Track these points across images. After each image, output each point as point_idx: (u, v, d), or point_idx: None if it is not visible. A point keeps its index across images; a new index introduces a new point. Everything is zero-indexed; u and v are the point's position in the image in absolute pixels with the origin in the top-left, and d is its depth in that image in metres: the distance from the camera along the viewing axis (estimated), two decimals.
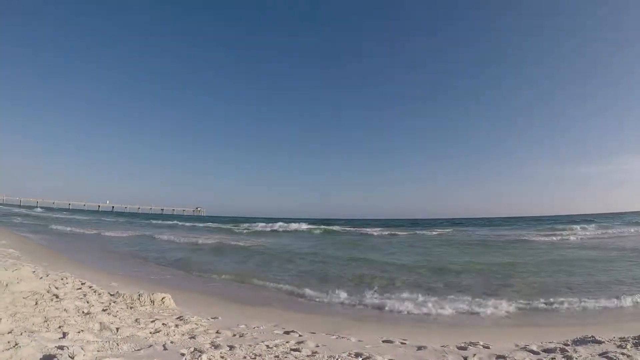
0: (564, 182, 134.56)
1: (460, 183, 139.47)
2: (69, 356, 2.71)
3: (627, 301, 6.36)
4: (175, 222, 42.96)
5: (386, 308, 6.35)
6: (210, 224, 39.53)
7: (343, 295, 7.23)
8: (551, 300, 6.56)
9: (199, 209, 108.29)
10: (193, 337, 3.81)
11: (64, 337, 3.25)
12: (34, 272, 6.53)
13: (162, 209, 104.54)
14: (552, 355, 3.31)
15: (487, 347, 3.76)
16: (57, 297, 4.82)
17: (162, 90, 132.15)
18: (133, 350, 3.16)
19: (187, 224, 40.40)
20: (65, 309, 4.31)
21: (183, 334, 3.93)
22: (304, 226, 32.22)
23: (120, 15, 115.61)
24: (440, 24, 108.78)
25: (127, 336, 3.61)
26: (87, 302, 4.83)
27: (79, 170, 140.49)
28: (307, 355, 3.30)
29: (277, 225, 33.26)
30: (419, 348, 3.76)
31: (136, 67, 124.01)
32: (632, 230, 23.76)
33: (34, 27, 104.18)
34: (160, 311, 5.07)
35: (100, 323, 3.88)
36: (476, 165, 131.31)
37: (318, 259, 12.58)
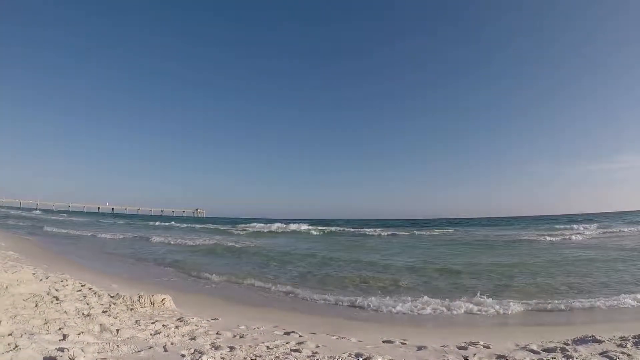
0: (563, 181, 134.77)
1: (460, 183, 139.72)
2: (69, 358, 2.70)
3: (627, 301, 6.37)
4: (172, 223, 42.95)
5: (386, 309, 6.34)
6: (208, 226, 39.50)
7: (342, 296, 7.23)
8: (551, 300, 6.57)
9: (198, 210, 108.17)
10: (193, 339, 3.81)
11: (64, 339, 3.25)
12: (34, 274, 6.53)
13: (162, 211, 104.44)
14: (552, 354, 3.31)
15: (488, 347, 3.76)
16: (57, 299, 4.81)
17: (161, 91, 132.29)
18: (133, 351, 3.16)
19: (184, 225, 40.47)
20: (65, 311, 4.31)
21: (183, 335, 3.92)
22: (303, 227, 32.20)
23: (116, 15, 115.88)
24: (438, 23, 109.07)
25: (128, 338, 3.61)
26: (87, 304, 4.83)
27: (79, 172, 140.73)
28: (308, 356, 3.30)
29: (276, 226, 33.22)
30: (419, 348, 3.76)
31: (137, 67, 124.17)
32: (631, 229, 23.76)
33: (34, 26, 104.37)
34: (161, 312, 5.07)
35: (101, 325, 3.88)
36: (476, 165, 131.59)
37: (317, 260, 12.58)
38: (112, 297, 5.44)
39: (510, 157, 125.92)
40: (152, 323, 4.32)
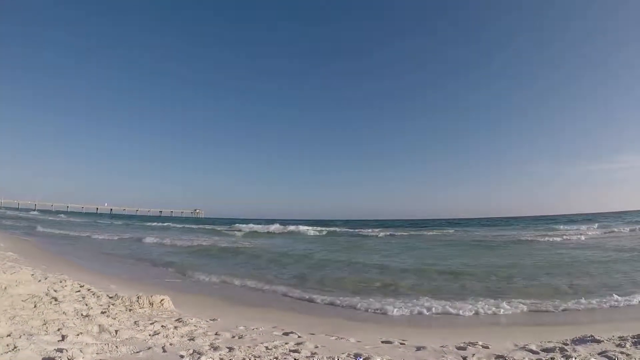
0: (563, 181, 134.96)
1: (459, 183, 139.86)
2: (68, 359, 2.70)
3: (627, 300, 6.38)
4: (168, 224, 42.96)
5: (385, 309, 6.34)
6: (206, 226, 39.49)
7: (341, 296, 7.23)
8: (550, 300, 6.58)
9: (197, 211, 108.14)
10: (192, 339, 3.81)
11: (62, 339, 3.24)
12: (33, 275, 6.52)
13: (161, 211, 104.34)
14: (551, 354, 3.31)
15: (487, 347, 3.76)
16: (55, 299, 4.80)
17: (161, 91, 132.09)
18: (132, 352, 3.16)
19: (179, 225, 40.59)
20: (64, 312, 4.30)
21: (182, 336, 3.92)
22: (302, 227, 32.14)
23: (116, 15, 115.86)
24: (438, 23, 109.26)
25: (126, 338, 3.61)
26: (86, 305, 4.82)
27: (78, 172, 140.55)
28: (307, 357, 3.30)
29: (274, 227, 33.18)
30: (418, 348, 3.77)
31: (136, 67, 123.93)
32: (632, 229, 23.80)
33: (34, 26, 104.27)
34: (159, 313, 5.06)
35: (99, 325, 3.88)
36: (475, 165, 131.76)
37: (315, 260, 12.57)
38: (110, 297, 5.43)
39: (510, 157, 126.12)
40: (150, 324, 4.31)
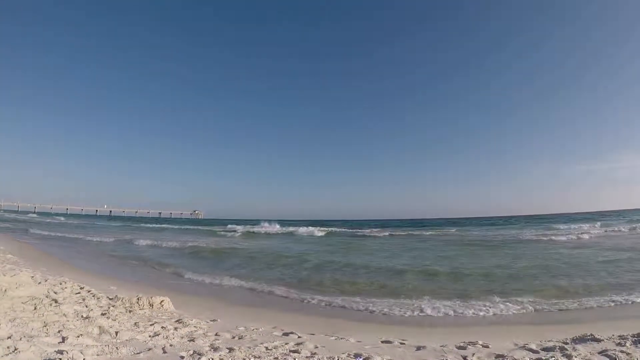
0: (563, 181, 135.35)
1: (459, 182, 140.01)
2: None
3: (627, 299, 6.39)
4: (164, 225, 42.99)
5: (385, 309, 6.35)
6: (204, 227, 39.45)
7: (340, 296, 7.24)
8: (551, 299, 6.60)
9: (196, 212, 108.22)
10: (192, 340, 3.81)
11: (63, 341, 3.24)
12: (33, 277, 6.51)
13: (160, 213, 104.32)
14: (551, 353, 3.32)
15: (487, 347, 3.76)
16: (55, 301, 4.80)
17: (160, 90, 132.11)
18: (132, 353, 3.16)
19: (176, 226, 40.63)
20: (64, 314, 4.30)
21: (182, 337, 3.92)
22: (302, 228, 32.07)
23: (116, 15, 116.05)
24: (439, 22, 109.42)
25: (127, 340, 3.61)
26: (86, 307, 4.82)
27: (78, 175, 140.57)
28: (306, 357, 3.30)
29: (273, 228, 33.13)
30: (418, 348, 3.77)
31: (136, 67, 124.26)
32: (632, 228, 23.79)
33: (34, 26, 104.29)
34: (159, 314, 5.06)
35: (100, 327, 3.88)
36: (475, 164, 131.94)
37: (314, 261, 12.54)
38: (110, 299, 5.43)
39: (509, 156, 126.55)
40: (151, 325, 4.31)
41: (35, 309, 4.32)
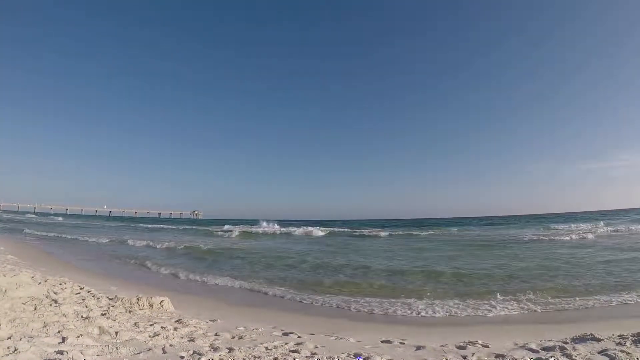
0: (563, 180, 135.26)
1: (459, 182, 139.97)
2: None
3: (627, 299, 6.38)
4: (162, 225, 43.02)
5: (385, 309, 6.35)
6: (199, 227, 39.38)
7: (340, 296, 7.24)
8: (551, 299, 6.59)
9: (196, 212, 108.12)
10: (192, 340, 3.81)
11: (63, 341, 3.24)
12: (33, 277, 6.51)
13: (160, 213, 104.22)
14: (551, 353, 3.32)
15: (487, 346, 3.76)
16: (55, 302, 4.81)
17: (161, 91, 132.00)
18: (132, 353, 3.16)
19: (173, 227, 40.63)
20: (64, 314, 4.30)
21: (182, 337, 3.92)
22: (301, 228, 32.02)
23: (116, 15, 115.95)
24: (439, 22, 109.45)
25: (126, 340, 3.61)
26: (86, 307, 4.82)
27: (78, 175, 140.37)
28: (306, 357, 3.30)
29: (272, 228, 33.05)
30: (418, 348, 3.77)
31: (136, 67, 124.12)
32: (633, 227, 23.77)
33: (34, 26, 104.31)
34: (159, 314, 5.06)
35: (99, 327, 3.88)
36: (475, 164, 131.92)
37: (314, 261, 12.54)
38: (110, 299, 5.43)
39: (509, 156, 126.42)
40: (150, 325, 4.31)
41: (35, 309, 4.33)
